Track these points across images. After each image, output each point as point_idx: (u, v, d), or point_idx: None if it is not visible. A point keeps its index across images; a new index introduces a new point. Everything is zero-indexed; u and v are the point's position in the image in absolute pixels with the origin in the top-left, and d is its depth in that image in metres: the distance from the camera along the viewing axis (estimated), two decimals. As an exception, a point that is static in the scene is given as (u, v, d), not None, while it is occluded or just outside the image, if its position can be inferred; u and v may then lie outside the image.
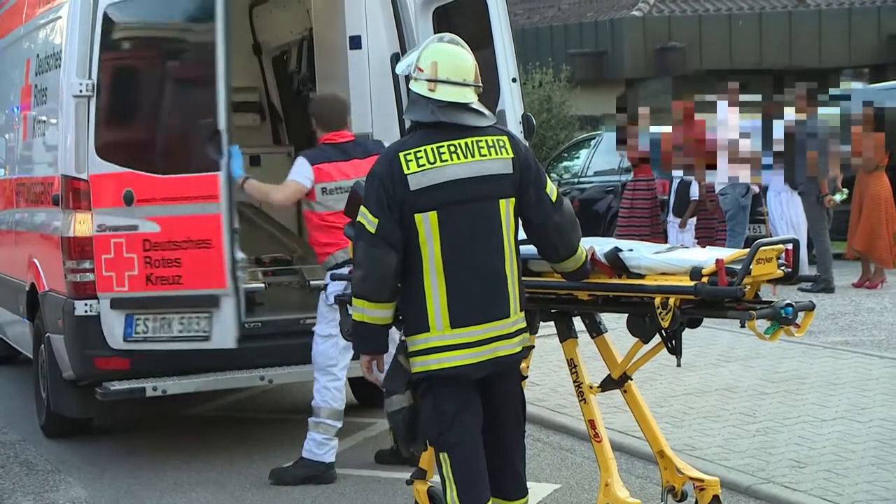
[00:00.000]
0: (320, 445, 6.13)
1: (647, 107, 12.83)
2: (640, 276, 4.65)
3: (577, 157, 15.28)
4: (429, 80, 4.21)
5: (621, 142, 13.21)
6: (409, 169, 4.17)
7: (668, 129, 12.84)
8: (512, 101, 6.99)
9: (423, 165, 4.18)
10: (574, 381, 5.18)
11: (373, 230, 4.19)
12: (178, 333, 6.48)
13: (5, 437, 7.49)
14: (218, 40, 6.36)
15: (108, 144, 6.53)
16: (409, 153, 4.19)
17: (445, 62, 4.22)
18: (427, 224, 4.18)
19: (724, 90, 12.12)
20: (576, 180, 14.79)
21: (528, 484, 6.10)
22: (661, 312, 4.51)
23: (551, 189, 4.38)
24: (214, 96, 6.37)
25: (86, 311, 6.44)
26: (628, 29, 23.27)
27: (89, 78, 6.46)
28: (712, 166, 12.15)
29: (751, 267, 4.46)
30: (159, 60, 6.79)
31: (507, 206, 4.27)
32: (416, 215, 4.17)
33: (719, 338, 9.45)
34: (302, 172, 6.16)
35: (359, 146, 6.28)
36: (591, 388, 5.16)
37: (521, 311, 4.35)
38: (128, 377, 6.46)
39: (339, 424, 6.18)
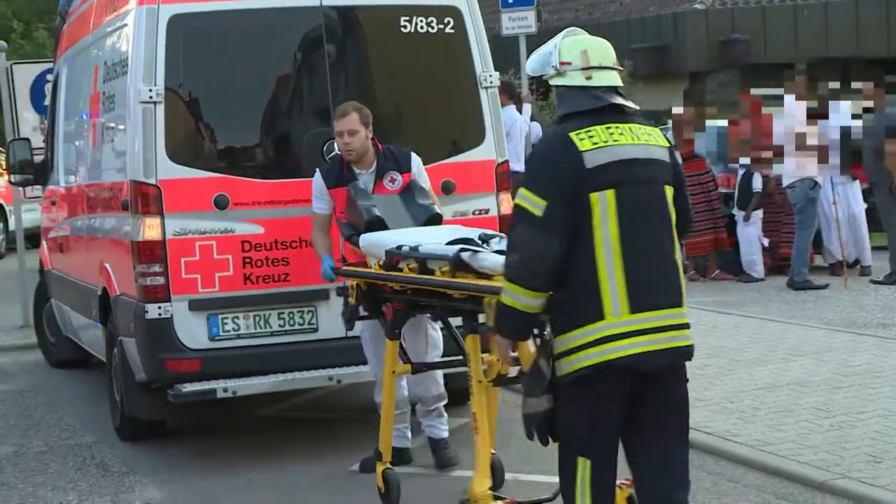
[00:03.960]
0: (400, 434, 6.26)
1: (713, 101, 12.78)
2: (489, 277, 4.75)
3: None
4: (584, 69, 4.15)
5: (677, 135, 13.16)
6: (583, 146, 4.05)
7: (730, 122, 12.79)
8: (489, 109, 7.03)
9: (597, 143, 4.06)
10: (467, 374, 5.24)
11: (539, 213, 4.00)
12: (279, 328, 6.65)
13: (81, 439, 7.60)
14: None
15: (194, 150, 6.68)
16: (580, 132, 4.08)
17: (594, 49, 4.20)
18: (604, 203, 4.03)
19: (790, 81, 12.02)
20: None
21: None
22: (487, 312, 4.71)
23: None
24: (324, 104, 6.59)
25: (158, 315, 6.53)
26: (691, 22, 23.05)
27: (156, 84, 6.56)
28: (779, 159, 12.09)
29: None
30: (244, 68, 6.85)
31: (670, 193, 4.18)
32: (592, 194, 4.01)
33: (789, 332, 9.35)
34: None
35: None
36: (479, 382, 5.15)
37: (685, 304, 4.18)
38: (199, 379, 6.53)
39: (406, 409, 6.34)
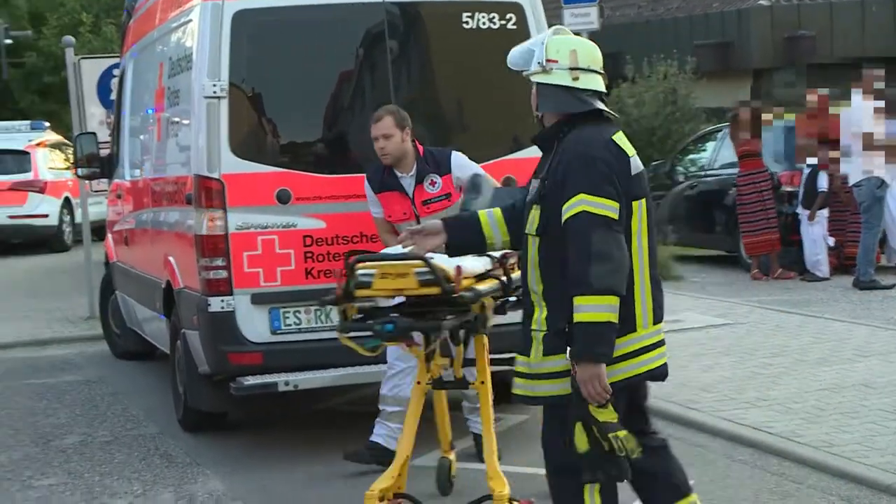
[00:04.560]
0: (395, 433, 6.19)
1: (777, 100, 12.62)
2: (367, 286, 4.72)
3: (704, 150, 15.05)
4: (571, 70, 4.02)
5: (733, 135, 13.05)
6: (630, 152, 3.99)
7: (796, 120, 12.64)
8: None
9: (631, 151, 4.02)
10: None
11: (616, 216, 3.86)
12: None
13: (145, 429, 7.70)
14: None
15: (257, 144, 6.71)
16: (619, 138, 4.00)
17: (583, 50, 4.07)
18: (640, 212, 3.99)
19: (857, 79, 11.85)
20: (702, 173, 14.56)
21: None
22: None
23: None
24: (385, 100, 6.58)
25: (221, 308, 6.59)
26: (756, 18, 22.79)
27: (220, 79, 6.61)
28: (846, 158, 11.92)
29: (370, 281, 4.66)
30: (307, 64, 6.89)
31: None
32: (634, 203, 3.96)
33: (855, 332, 9.22)
34: None
35: None
36: (418, 383, 5.17)
37: None
38: (261, 372, 6.58)
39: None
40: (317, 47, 6.92)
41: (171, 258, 7.45)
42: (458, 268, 4.65)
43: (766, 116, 12.68)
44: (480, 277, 4.94)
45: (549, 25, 7.36)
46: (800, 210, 12.65)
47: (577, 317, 3.83)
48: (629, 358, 3.96)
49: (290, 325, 6.68)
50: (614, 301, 3.82)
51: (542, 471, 6.01)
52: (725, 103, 17.10)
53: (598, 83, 4.07)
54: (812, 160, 12.30)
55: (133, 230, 8.96)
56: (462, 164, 6.35)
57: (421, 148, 6.36)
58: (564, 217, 3.91)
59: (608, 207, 3.87)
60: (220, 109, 6.60)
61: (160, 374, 8.82)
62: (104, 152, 10.08)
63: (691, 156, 15.24)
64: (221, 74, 6.61)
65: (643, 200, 4.01)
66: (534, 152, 6.99)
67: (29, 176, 19.75)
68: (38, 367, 10.10)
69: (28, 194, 19.59)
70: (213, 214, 6.63)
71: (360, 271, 4.73)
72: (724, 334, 9.49)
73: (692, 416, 7.09)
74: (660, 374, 4.09)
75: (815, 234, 12.47)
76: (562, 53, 4.05)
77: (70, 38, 13.14)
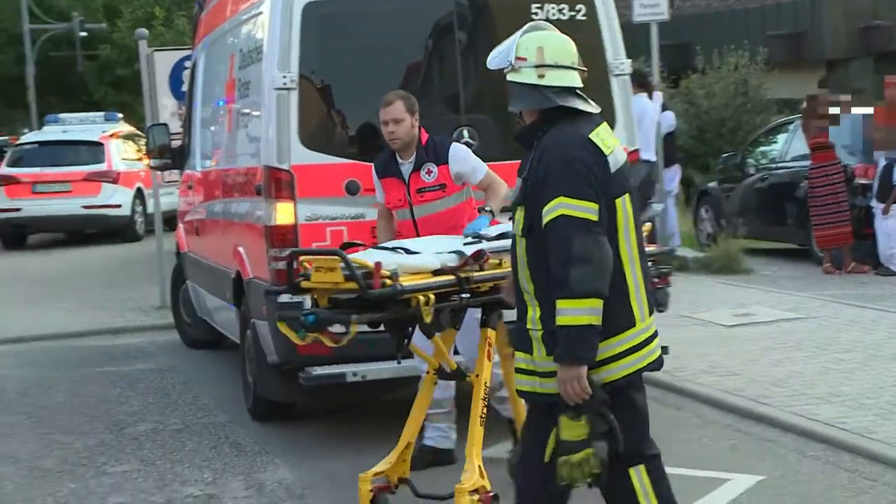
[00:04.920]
0: (443, 433, 6.24)
1: (849, 92, 12.43)
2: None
3: (775, 142, 14.86)
4: (537, 67, 4.00)
5: (805, 126, 12.85)
6: (606, 150, 3.97)
7: (871, 110, 12.44)
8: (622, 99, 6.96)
9: (609, 148, 3.99)
10: None
11: (596, 218, 3.86)
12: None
13: (216, 418, 7.78)
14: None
15: (326, 136, 6.74)
16: (596, 135, 3.98)
17: (550, 47, 4.04)
18: (624, 208, 3.98)
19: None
20: (774, 165, 14.38)
21: (730, 475, 6.03)
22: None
23: None
24: (454, 91, 6.61)
25: (290, 298, 6.61)
26: (829, 8, 22.46)
27: (290, 71, 6.65)
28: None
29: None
30: (376, 55, 6.90)
31: None
32: (617, 200, 3.95)
33: (931, 327, 9.06)
34: None
35: None
36: (427, 373, 5.41)
37: None
38: (329, 362, 6.61)
39: (449, 408, 6.28)
40: (386, 39, 6.94)
41: (240, 248, 7.52)
42: (378, 264, 4.74)
43: (839, 108, 12.47)
44: (438, 273, 5.03)
45: (620, 16, 7.35)
46: (874, 203, 12.43)
47: (559, 320, 3.85)
48: (632, 353, 3.96)
49: None
50: (596, 304, 3.82)
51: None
52: (798, 94, 16.89)
53: (568, 79, 4.03)
54: (892, 155, 12.09)
55: (203, 220, 9.05)
56: (461, 158, 6.21)
57: (425, 136, 6.26)
58: (544, 221, 3.91)
59: (587, 209, 3.86)
60: (290, 101, 6.65)
61: (230, 364, 8.92)
62: (176, 143, 10.20)
63: (762, 147, 15.06)
64: (291, 66, 6.65)
65: (625, 196, 3.99)
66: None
67: (103, 167, 20.04)
68: (111, 356, 10.26)
69: (102, 185, 19.89)
70: (282, 205, 6.67)
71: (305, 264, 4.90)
72: (796, 328, 9.37)
73: (763, 411, 7.01)
74: (658, 365, 4.08)
75: (890, 228, 12.25)
76: (529, 51, 4.03)
77: (143, 31, 13.30)
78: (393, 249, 5.28)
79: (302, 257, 4.96)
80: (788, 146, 14.19)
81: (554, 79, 4.01)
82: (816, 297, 10.78)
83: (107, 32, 30.80)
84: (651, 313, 4.06)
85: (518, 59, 4.04)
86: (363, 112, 6.95)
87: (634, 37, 11.48)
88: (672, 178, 14.41)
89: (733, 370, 7.98)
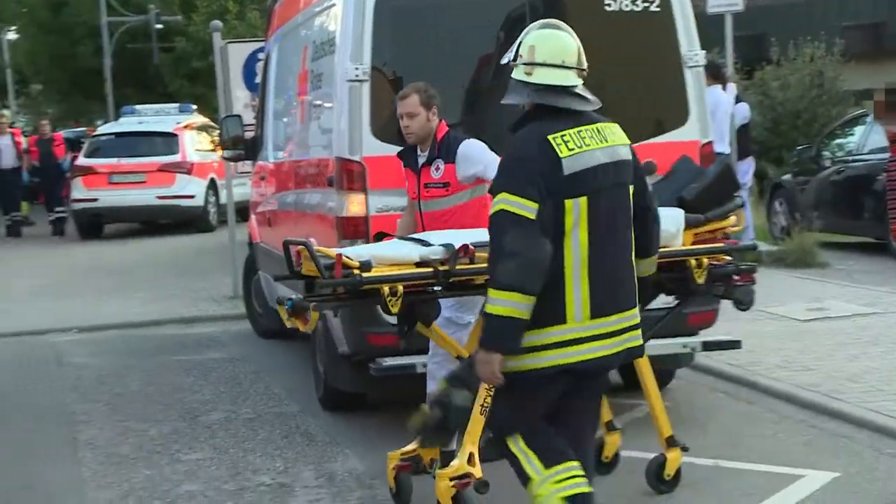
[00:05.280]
0: None
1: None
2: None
3: (852, 134, 14.62)
4: (525, 65, 4.26)
5: (876, 117, 12.58)
6: (562, 152, 4.15)
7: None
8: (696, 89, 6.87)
9: (573, 150, 4.16)
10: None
11: (533, 216, 4.07)
12: None
13: (287, 408, 7.85)
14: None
15: (397, 127, 6.75)
16: (558, 137, 4.16)
17: (542, 45, 4.27)
18: (577, 210, 4.14)
19: None
20: (850, 158, 14.16)
21: (804, 471, 5.95)
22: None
23: None
24: None
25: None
26: (909, -3, 22.05)
27: (362, 63, 6.67)
28: None
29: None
30: (448, 47, 6.91)
31: (630, 193, 4.31)
32: (567, 201, 4.12)
33: None
34: None
35: None
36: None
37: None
38: (400, 353, 6.63)
39: None
40: (458, 31, 6.93)
41: (312, 240, 7.54)
42: (339, 255, 5.04)
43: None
44: (420, 265, 5.19)
45: (694, 7, 7.27)
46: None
47: (485, 307, 4.15)
48: (556, 348, 4.16)
49: None
50: (518, 298, 4.03)
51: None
52: (877, 85, 16.58)
53: (552, 77, 4.23)
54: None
55: (275, 211, 9.12)
56: (467, 157, 6.05)
57: (443, 130, 6.17)
58: (490, 213, 4.18)
59: (526, 207, 4.06)
60: (362, 93, 6.67)
61: (301, 354, 8.99)
62: (249, 135, 10.29)
63: (839, 140, 14.83)
64: (364, 58, 6.68)
65: (582, 199, 4.13)
66: (676, 136, 6.99)
67: (177, 158, 20.30)
68: (185, 344, 10.40)
69: (176, 175, 20.15)
70: (354, 197, 6.70)
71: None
72: (872, 323, 9.22)
73: (837, 407, 6.91)
74: (599, 365, 4.26)
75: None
76: (524, 49, 4.30)
77: (217, 23, 13.43)
78: (416, 241, 5.40)
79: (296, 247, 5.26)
80: (866, 138, 13.95)
81: (540, 77, 4.24)
82: (893, 292, 10.60)
83: (182, 25, 31.17)
84: (597, 316, 4.17)
85: (518, 55, 4.31)
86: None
87: (709, 28, 11.37)
88: (746, 170, 14.23)
89: (808, 365, 7.88)
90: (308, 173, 7.89)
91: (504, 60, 4.43)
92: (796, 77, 18.61)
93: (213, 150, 19.87)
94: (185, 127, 20.98)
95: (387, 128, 6.74)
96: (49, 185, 21.25)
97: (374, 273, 5.10)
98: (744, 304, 5.70)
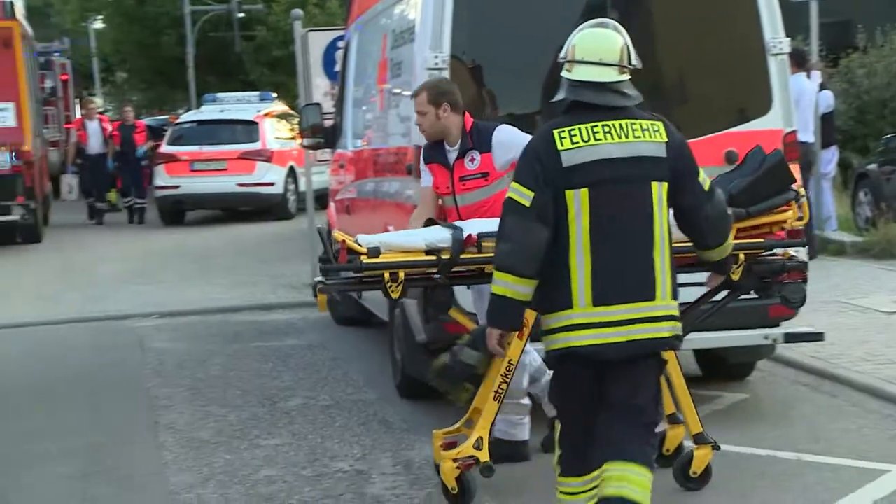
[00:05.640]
0: (514, 426, 6.09)
1: None
2: None
3: (942, 123, 14.31)
4: (567, 62, 4.48)
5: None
6: (562, 146, 4.35)
7: None
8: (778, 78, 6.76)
9: (577, 143, 4.35)
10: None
11: (527, 204, 4.33)
12: None
13: (364, 395, 7.90)
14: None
15: (475, 116, 6.74)
16: (563, 131, 4.39)
17: (582, 44, 4.48)
18: (578, 201, 4.33)
19: None
20: (938, 150, 13.85)
21: (890, 466, 5.83)
22: None
23: (704, 178, 4.55)
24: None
25: (438, 278, 6.64)
26: None
27: (441, 51, 6.67)
28: None
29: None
30: (527, 35, 6.87)
31: (659, 190, 4.34)
32: (568, 192, 4.32)
33: None
34: None
35: None
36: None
37: (672, 298, 4.38)
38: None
39: (524, 399, 6.11)
40: (537, 19, 6.89)
41: (390, 227, 7.57)
42: (343, 241, 5.31)
43: None
44: (430, 253, 5.35)
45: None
46: None
47: (491, 286, 4.49)
48: (562, 332, 4.37)
49: None
50: (512, 279, 4.36)
51: (760, 451, 5.90)
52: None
53: (589, 74, 4.42)
54: None
55: (354, 199, 9.16)
56: (504, 142, 6.01)
57: (470, 122, 6.15)
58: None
59: (522, 195, 4.36)
60: (442, 81, 6.65)
61: (378, 341, 9.03)
62: (328, 123, 10.34)
63: (925, 132, 14.50)
64: (443, 46, 6.67)
65: (583, 190, 4.31)
66: (759, 125, 6.89)
67: (257, 145, 20.49)
68: (264, 331, 10.50)
69: (256, 163, 20.34)
70: (432, 185, 6.69)
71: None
72: (960, 317, 9.02)
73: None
74: (598, 352, 4.32)
75: None
76: (569, 47, 4.54)
77: (298, 12, 13.51)
78: (450, 227, 5.56)
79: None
80: (955, 127, 13.63)
81: (577, 74, 4.46)
82: (982, 285, 10.36)
83: (263, 14, 31.44)
84: (601, 304, 4.29)
85: (566, 54, 4.55)
86: (512, 93, 6.93)
87: (793, 15, 11.18)
88: (829, 159, 14.01)
89: (893, 358, 7.73)
90: (387, 161, 7.91)
91: (560, 59, 4.60)
92: (883, 64, 18.21)
93: (292, 139, 20.04)
94: (266, 115, 21.15)
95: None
96: (127, 170, 21.51)
97: (378, 259, 5.28)
98: (792, 302, 5.55)
